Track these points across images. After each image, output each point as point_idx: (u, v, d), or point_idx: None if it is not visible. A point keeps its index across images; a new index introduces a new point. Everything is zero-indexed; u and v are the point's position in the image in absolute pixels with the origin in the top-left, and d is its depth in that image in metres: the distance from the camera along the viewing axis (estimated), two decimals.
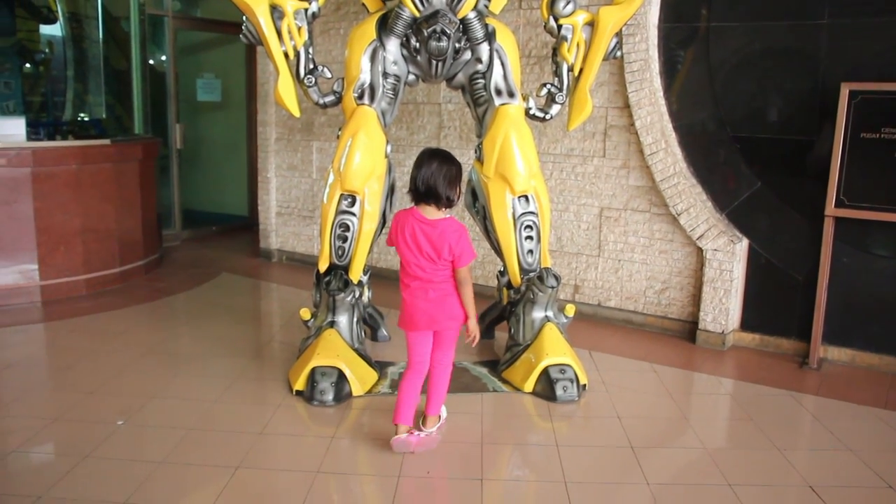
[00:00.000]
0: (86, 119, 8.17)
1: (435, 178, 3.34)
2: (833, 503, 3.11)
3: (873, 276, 4.73)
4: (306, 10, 4.24)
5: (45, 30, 8.06)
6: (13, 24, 7.72)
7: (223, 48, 9.63)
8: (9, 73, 7.72)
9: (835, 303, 4.82)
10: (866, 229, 4.68)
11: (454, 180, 3.39)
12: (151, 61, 8.75)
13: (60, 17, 7.91)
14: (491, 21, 4.44)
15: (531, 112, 4.52)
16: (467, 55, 4.40)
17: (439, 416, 3.72)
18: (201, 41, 9.83)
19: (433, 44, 4.20)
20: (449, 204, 3.40)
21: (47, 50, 8.07)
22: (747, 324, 5.21)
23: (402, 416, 3.47)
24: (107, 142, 6.46)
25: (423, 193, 3.38)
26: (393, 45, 4.35)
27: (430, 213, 3.41)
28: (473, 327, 3.49)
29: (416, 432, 3.52)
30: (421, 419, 3.66)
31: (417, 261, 3.39)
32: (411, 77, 4.50)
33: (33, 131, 6.46)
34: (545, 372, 4.15)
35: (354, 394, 4.10)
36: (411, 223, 3.41)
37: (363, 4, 4.62)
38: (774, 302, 5.09)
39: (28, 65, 8.10)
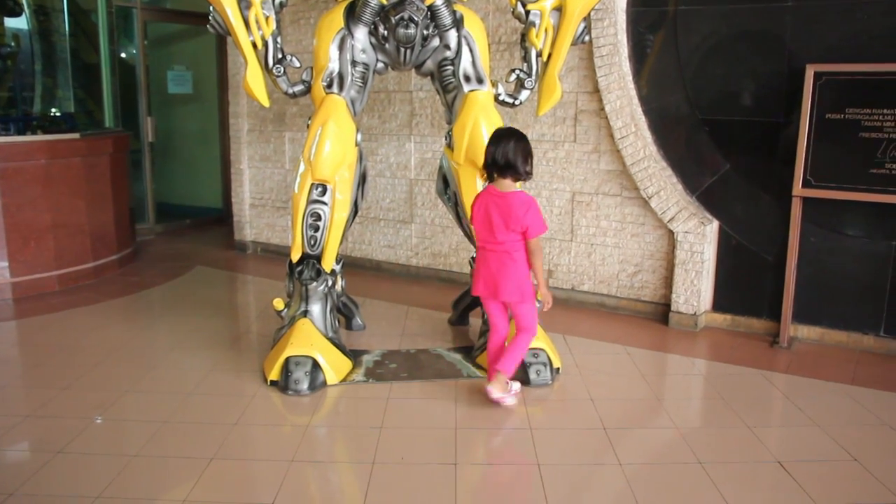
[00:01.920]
0: (56, 114, 8.07)
1: (514, 153, 3.71)
2: (801, 477, 3.17)
3: (841, 255, 4.80)
4: None
5: (11, 23, 7.92)
6: None
7: (193, 40, 9.55)
8: None
9: (804, 282, 4.89)
10: (833, 209, 4.75)
11: (529, 155, 3.79)
12: (123, 54, 8.66)
13: (26, 10, 7.79)
14: (459, 7, 4.44)
15: (500, 98, 4.53)
16: (435, 42, 4.40)
17: (508, 382, 3.90)
18: (171, 33, 9.75)
19: (401, 31, 4.20)
20: (527, 176, 3.82)
21: (13, 44, 7.95)
22: (719, 305, 5.27)
23: (491, 372, 3.92)
24: (76, 136, 6.39)
25: (503, 166, 3.73)
26: (361, 34, 4.34)
27: (505, 186, 3.78)
28: (545, 294, 3.86)
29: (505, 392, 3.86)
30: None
31: (486, 231, 3.80)
32: (380, 65, 4.49)
33: (1, 126, 6.38)
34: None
35: (329, 382, 4.11)
36: (486, 197, 3.82)
37: None
38: (745, 282, 5.15)
39: None
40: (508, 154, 3.71)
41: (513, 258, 3.79)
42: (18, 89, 8.04)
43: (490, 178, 3.85)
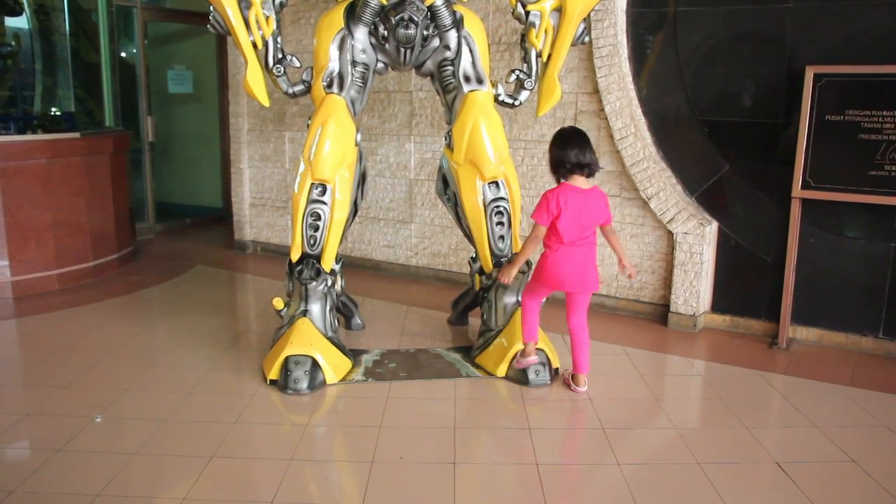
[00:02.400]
0: (56, 113, 8.08)
1: (586, 151, 3.81)
2: (799, 479, 3.17)
3: (840, 257, 4.81)
4: None
5: (11, 22, 7.93)
6: None
7: (194, 39, 9.56)
8: None
9: (803, 283, 4.90)
10: (833, 210, 4.76)
11: (594, 151, 3.90)
12: (123, 54, 8.67)
13: (27, 10, 7.80)
14: (459, 8, 4.45)
15: (500, 98, 4.54)
16: (435, 42, 4.40)
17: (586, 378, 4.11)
18: (171, 32, 9.76)
19: (401, 31, 4.20)
20: (596, 172, 3.94)
21: (14, 43, 7.96)
22: (718, 306, 5.28)
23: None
24: (76, 135, 6.40)
25: (578, 165, 3.80)
26: (361, 34, 4.35)
27: (583, 183, 3.85)
28: (628, 264, 4.00)
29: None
30: (572, 378, 4.09)
31: (576, 227, 3.82)
32: (380, 65, 4.50)
33: (2, 126, 6.39)
34: (517, 356, 4.19)
35: (328, 382, 4.12)
36: (570, 195, 3.80)
37: None
38: (744, 284, 5.16)
39: None
40: (586, 153, 3.81)
41: (595, 249, 3.97)
42: (19, 88, 8.05)
43: (564, 177, 3.86)
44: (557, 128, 5.53)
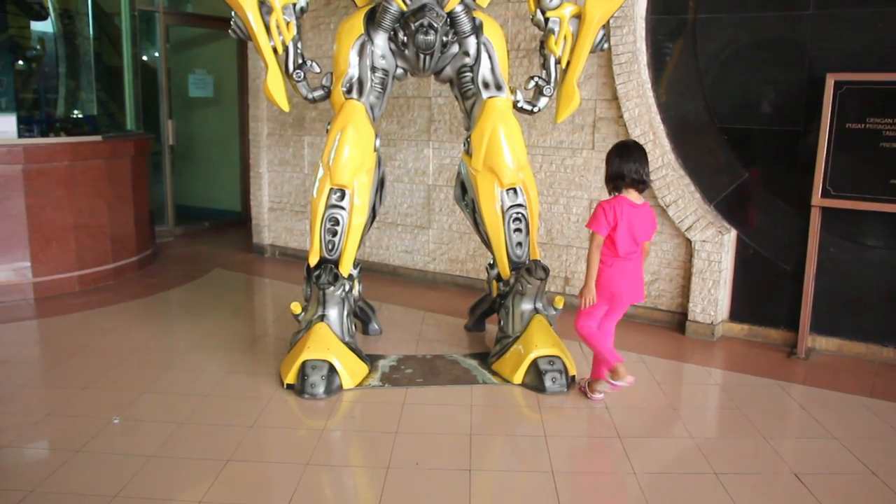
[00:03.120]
0: (79, 115, 8.17)
1: (645, 167, 3.81)
2: (817, 490, 3.15)
3: (860, 266, 4.77)
4: (294, 4, 4.26)
5: (37, 26, 8.04)
6: (5, 20, 7.71)
7: (215, 43, 9.63)
8: (0, 70, 7.71)
9: (822, 292, 4.86)
10: (853, 219, 4.72)
11: (649, 168, 3.91)
12: (144, 57, 8.75)
13: (52, 14, 7.90)
14: (478, 14, 4.46)
15: (519, 105, 4.55)
16: (455, 49, 4.42)
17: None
18: (193, 37, 9.83)
19: (420, 38, 4.22)
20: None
21: (39, 46, 8.06)
22: (736, 314, 5.25)
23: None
24: (98, 138, 6.46)
25: (636, 181, 3.80)
26: (381, 40, 4.37)
27: (636, 197, 3.85)
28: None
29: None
30: (609, 374, 3.94)
31: (630, 241, 3.82)
32: (399, 71, 4.52)
33: (26, 128, 6.46)
34: (534, 363, 4.18)
35: (345, 387, 4.13)
36: (625, 208, 3.80)
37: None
38: (763, 292, 5.13)
39: (20, 61, 8.08)
40: (638, 169, 3.79)
41: (642, 261, 4.01)
42: (43, 91, 8.15)
43: (620, 190, 3.84)
44: (576, 135, 5.59)
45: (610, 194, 3.91)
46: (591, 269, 3.87)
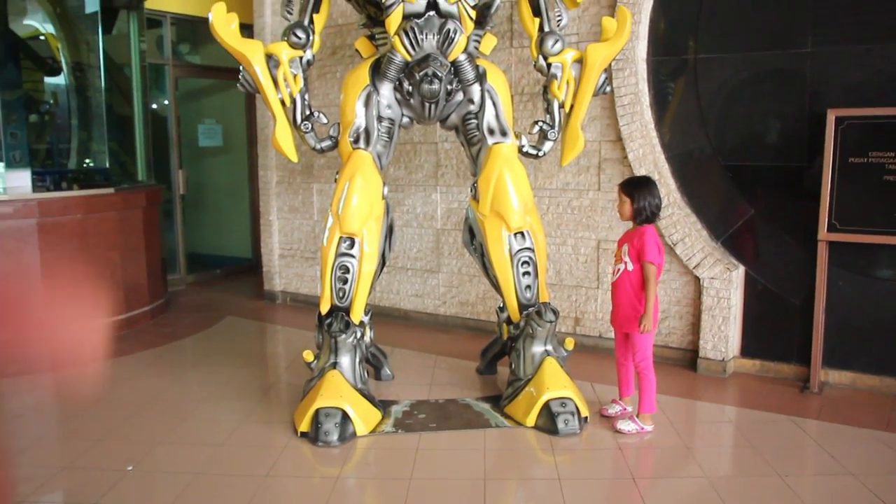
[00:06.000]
0: (91, 166, 8.28)
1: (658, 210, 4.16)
2: None
3: (870, 298, 4.78)
4: (301, 57, 4.36)
5: (50, 80, 8.20)
6: (19, 76, 7.87)
7: (223, 93, 9.79)
8: (15, 125, 7.81)
9: (833, 326, 4.86)
10: (860, 252, 4.74)
11: None
12: (154, 106, 8.89)
13: (64, 68, 8.06)
14: (481, 62, 4.55)
15: (524, 149, 4.62)
16: (459, 96, 4.50)
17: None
18: (202, 87, 9.99)
19: (425, 87, 4.30)
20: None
21: (52, 100, 8.21)
22: (747, 350, 5.25)
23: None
24: (111, 190, 6.56)
25: (650, 217, 4.11)
26: (386, 90, 4.46)
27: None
28: None
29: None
30: (639, 417, 4.22)
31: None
32: (405, 120, 4.60)
33: (39, 180, 6.57)
34: (546, 406, 4.18)
35: (359, 433, 4.14)
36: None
37: (356, 51, 4.74)
38: (773, 327, 5.13)
39: (33, 115, 8.23)
40: (659, 204, 4.15)
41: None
42: (56, 143, 8.27)
43: (649, 222, 4.12)
44: (582, 176, 5.64)
45: (638, 225, 4.15)
46: (653, 305, 4.07)
